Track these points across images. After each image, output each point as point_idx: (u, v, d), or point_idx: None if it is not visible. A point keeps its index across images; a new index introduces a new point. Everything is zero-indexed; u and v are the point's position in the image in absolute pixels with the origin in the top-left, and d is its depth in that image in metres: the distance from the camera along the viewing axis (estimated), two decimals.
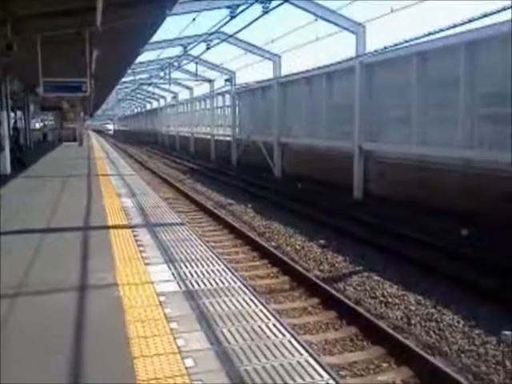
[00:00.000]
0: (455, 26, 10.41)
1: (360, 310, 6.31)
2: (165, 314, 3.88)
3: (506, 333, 5.60)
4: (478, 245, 9.28)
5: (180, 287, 4.55)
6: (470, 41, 11.24)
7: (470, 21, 10.04)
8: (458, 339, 5.69)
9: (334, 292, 6.90)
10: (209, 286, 4.62)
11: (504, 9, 9.12)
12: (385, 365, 5.17)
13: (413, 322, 6.16)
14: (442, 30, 10.96)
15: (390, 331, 5.68)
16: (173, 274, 4.93)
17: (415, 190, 12.63)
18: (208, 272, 5.03)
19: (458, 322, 6.11)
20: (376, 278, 7.66)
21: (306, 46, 19.14)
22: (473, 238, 9.77)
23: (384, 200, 13.66)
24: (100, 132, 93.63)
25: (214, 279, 4.82)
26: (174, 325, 3.69)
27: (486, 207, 10.42)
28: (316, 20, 16.24)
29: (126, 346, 3.33)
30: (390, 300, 6.83)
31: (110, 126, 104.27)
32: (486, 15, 9.58)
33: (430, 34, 11.10)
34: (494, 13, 9.31)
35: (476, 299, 6.79)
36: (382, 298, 6.90)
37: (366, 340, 5.69)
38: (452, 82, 11.74)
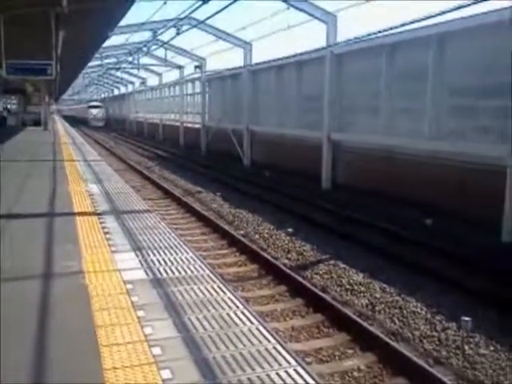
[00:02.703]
0: (426, 18, 10.55)
1: (326, 297, 6.41)
2: (132, 302, 3.84)
3: (466, 319, 5.80)
4: (441, 234, 9.53)
5: (147, 275, 4.51)
6: (439, 33, 11.41)
7: (440, 13, 10.18)
8: (421, 325, 5.85)
9: (301, 280, 6.99)
10: (177, 273, 4.59)
11: (474, 2, 9.29)
12: (350, 351, 5.28)
13: (377, 309, 6.30)
14: (412, 22, 11.11)
15: (356, 318, 5.79)
16: (140, 261, 4.88)
17: (382, 180, 12.84)
18: (176, 260, 5.00)
19: (421, 308, 6.28)
20: (342, 265, 7.78)
21: (277, 35, 19.12)
22: (436, 228, 10.02)
23: (352, 189, 13.84)
24: (80, 122, 64.01)
25: (182, 267, 4.80)
26: (141, 313, 3.66)
27: (448, 197, 10.68)
28: (288, 8, 16.19)
29: (93, 335, 3.28)
30: (355, 288, 6.96)
31: (98, 112, 62.85)
32: (457, 8, 9.74)
33: (400, 25, 11.23)
34: (464, 6, 9.47)
35: (439, 287, 6.99)
36: (348, 286, 7.03)
37: (331, 327, 5.79)
38: (421, 74, 11.93)
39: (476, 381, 4.77)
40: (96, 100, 69.11)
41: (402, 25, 11.15)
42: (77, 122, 64.42)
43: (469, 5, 9.31)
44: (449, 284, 7.07)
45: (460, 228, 9.69)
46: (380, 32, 12.04)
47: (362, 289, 6.92)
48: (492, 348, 5.30)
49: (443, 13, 10.04)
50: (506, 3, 9.53)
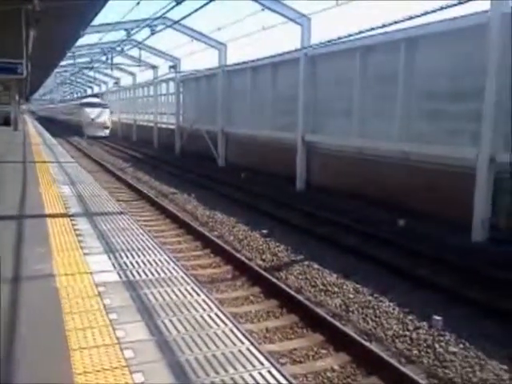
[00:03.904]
0: (397, 22, 10.69)
1: (300, 298, 6.45)
2: (104, 305, 3.78)
3: (437, 318, 5.92)
4: (413, 235, 9.69)
5: (120, 277, 4.46)
6: (409, 37, 11.61)
7: (410, 18, 10.35)
8: (393, 325, 5.93)
9: (275, 281, 7.01)
10: (150, 276, 4.55)
11: (442, 8, 9.47)
12: (324, 351, 5.32)
13: (351, 309, 6.37)
14: (384, 26, 11.25)
15: (329, 319, 5.84)
16: (113, 264, 4.82)
17: (356, 182, 12.99)
18: (150, 262, 4.95)
19: (394, 308, 6.37)
20: (316, 266, 7.84)
21: (252, 36, 19.14)
22: (409, 228, 10.19)
23: (326, 191, 13.96)
24: (66, 127, 46.74)
25: (155, 269, 4.76)
26: (113, 316, 3.61)
27: (420, 198, 10.87)
28: (263, 10, 16.23)
29: (63, 339, 3.23)
30: (329, 288, 7.02)
31: (101, 114, 40.45)
32: (426, 13, 9.90)
33: (372, 29, 11.37)
34: (434, 11, 9.63)
35: (411, 286, 7.11)
36: (321, 287, 7.08)
37: (305, 328, 5.82)
38: (392, 78, 12.12)
39: (446, 378, 4.86)
40: (96, 95, 47.28)
41: (375, 28, 11.28)
42: (60, 127, 48.18)
43: (438, 10, 9.46)
44: (420, 283, 7.20)
45: (432, 228, 9.87)
46: (353, 35, 12.17)
47: (336, 289, 6.99)
48: (461, 346, 5.42)
49: (412, 18, 10.19)
50: (474, 9, 9.77)
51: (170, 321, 3.65)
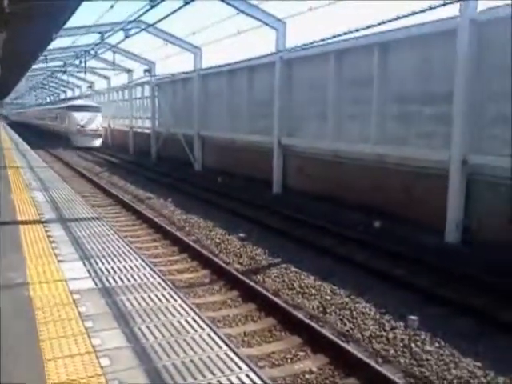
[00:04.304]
0: (370, 26, 10.80)
1: (278, 301, 6.46)
2: (79, 313, 3.73)
3: (412, 317, 6.00)
4: (389, 236, 9.82)
5: (96, 284, 4.40)
6: (382, 42, 11.78)
7: (384, 22, 10.46)
8: (370, 326, 5.99)
9: (253, 284, 7.01)
10: (126, 282, 4.51)
11: (414, 13, 9.61)
12: (302, 353, 5.34)
13: (328, 311, 6.41)
14: (357, 30, 11.37)
15: (307, 321, 5.87)
16: (88, 270, 4.76)
17: (332, 185, 13.09)
18: (125, 268, 4.91)
19: (370, 309, 6.43)
20: (294, 269, 7.87)
21: (228, 40, 19.14)
22: (384, 230, 10.32)
23: (303, 194, 14.03)
24: (47, 135, 40.17)
25: (131, 275, 4.71)
26: (89, 323, 3.57)
27: (395, 200, 11.02)
28: (237, 14, 16.26)
29: (37, 349, 3.17)
30: (306, 291, 7.05)
31: (92, 119, 33.48)
32: (398, 18, 10.04)
33: (347, 32, 11.44)
34: (406, 16, 9.77)
35: (386, 286, 7.20)
36: (299, 289, 7.11)
37: (283, 330, 5.84)
38: (366, 81, 12.27)
39: (422, 377, 4.93)
40: (86, 96, 40.57)
41: (349, 32, 11.37)
42: (38, 135, 42.35)
43: (412, 14, 9.59)
44: (396, 283, 7.29)
45: (407, 230, 10.01)
46: (328, 39, 12.25)
47: (313, 291, 7.02)
48: (437, 345, 5.51)
49: (385, 22, 10.30)
50: (444, 14, 9.95)
51: (147, 327, 3.62)
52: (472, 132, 9.57)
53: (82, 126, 32.73)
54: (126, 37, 19.67)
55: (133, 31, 19.47)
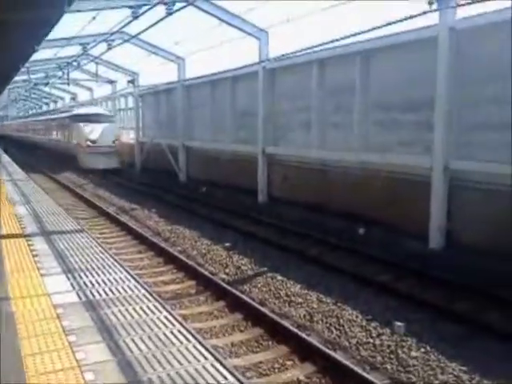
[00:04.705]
0: (353, 35, 10.92)
1: (265, 310, 6.45)
2: (63, 327, 3.69)
3: (398, 324, 6.03)
4: (374, 243, 9.87)
5: (79, 298, 4.36)
6: (365, 50, 11.91)
7: (366, 31, 10.59)
8: (357, 333, 6.00)
9: (239, 294, 6.99)
10: (111, 295, 4.47)
11: (394, 22, 9.75)
12: (289, 363, 5.33)
13: (315, 319, 6.41)
14: (340, 39, 11.48)
15: (294, 330, 5.86)
16: (71, 284, 4.71)
17: (317, 193, 13.13)
18: (110, 280, 4.87)
19: (357, 316, 6.45)
20: (280, 278, 7.86)
21: (211, 50, 19.19)
22: (369, 237, 10.37)
23: (288, 203, 14.05)
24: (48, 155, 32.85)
25: (116, 287, 4.68)
26: (72, 338, 3.53)
27: (379, 207, 11.09)
28: (220, 24, 16.33)
29: (20, 365, 3.12)
30: (293, 299, 7.05)
31: (105, 132, 25.35)
32: (378, 27, 10.18)
33: (329, 42, 11.55)
34: (386, 25, 9.90)
35: (372, 293, 7.23)
36: (285, 298, 7.10)
37: (271, 340, 5.82)
38: (349, 90, 12.38)
39: (409, 383, 4.95)
40: (93, 102, 34.21)
41: (331, 41, 11.47)
42: (30, 153, 36.34)
43: (393, 23, 9.71)
44: (381, 290, 7.32)
45: (392, 236, 10.06)
46: (310, 48, 12.35)
47: (300, 300, 7.02)
48: (423, 350, 5.53)
49: (367, 31, 10.44)
50: (424, 23, 10.11)
51: (132, 340, 3.60)
52: (453, 138, 9.69)
53: (93, 142, 24.71)
54: (109, 48, 19.62)
55: (116, 42, 19.46)
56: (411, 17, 9.48)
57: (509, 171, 8.60)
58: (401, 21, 9.43)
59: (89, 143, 24.86)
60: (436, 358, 5.36)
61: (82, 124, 25.66)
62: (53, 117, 33.98)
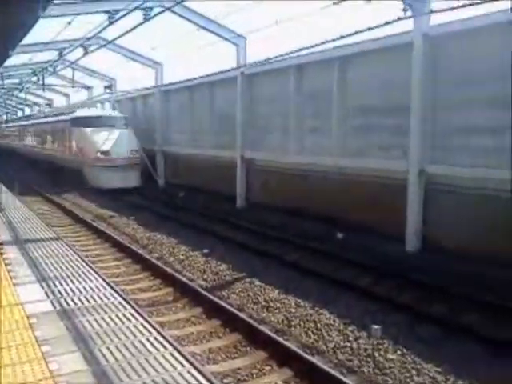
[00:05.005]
0: (330, 41, 11.01)
1: (243, 316, 6.43)
2: (36, 337, 3.63)
3: (375, 327, 6.09)
4: (352, 247, 9.95)
5: (54, 307, 4.30)
6: (343, 55, 12.03)
7: (344, 36, 10.69)
8: (334, 337, 6.04)
9: (217, 300, 6.96)
10: (86, 303, 4.42)
11: (371, 28, 9.86)
12: (267, 368, 5.32)
13: (293, 323, 6.42)
14: (317, 45, 11.57)
15: (272, 335, 5.86)
16: (46, 293, 4.64)
17: (296, 198, 13.18)
18: (85, 289, 4.82)
19: (334, 320, 6.48)
20: (258, 283, 7.86)
21: (191, 55, 19.18)
22: (347, 241, 10.46)
23: (267, 207, 14.08)
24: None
25: (92, 296, 4.63)
26: (46, 348, 3.48)
27: (358, 211, 11.19)
28: (198, 30, 16.33)
29: None
30: (271, 304, 7.05)
31: (120, 139, 19.63)
32: (356, 32, 10.29)
33: (307, 47, 11.63)
34: (364, 31, 10.01)
35: (350, 297, 7.28)
36: (264, 303, 7.10)
37: (249, 346, 5.81)
38: (327, 95, 12.49)
39: None
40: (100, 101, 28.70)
41: (308, 47, 11.55)
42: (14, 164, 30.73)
43: (370, 28, 9.80)
44: (359, 293, 7.38)
45: (370, 240, 10.15)
46: (288, 54, 12.42)
47: (278, 305, 7.02)
48: (399, 352, 5.59)
49: (344, 36, 10.54)
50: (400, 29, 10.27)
51: (108, 348, 3.56)
52: (428, 142, 9.86)
53: (105, 153, 19.14)
54: (86, 53, 19.45)
55: (92, 47, 19.29)
56: (386, 23, 9.64)
57: (482, 175, 8.80)
58: (377, 27, 9.57)
59: (99, 155, 19.14)
60: (412, 359, 5.42)
61: (88, 130, 20.02)
62: (46, 120, 27.96)
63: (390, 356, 5.51)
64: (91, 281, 5.05)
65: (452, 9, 7.99)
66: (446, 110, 9.72)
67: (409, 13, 9.36)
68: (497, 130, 8.74)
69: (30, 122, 33.60)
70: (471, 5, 7.62)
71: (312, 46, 10.90)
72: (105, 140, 19.55)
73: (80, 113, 22.42)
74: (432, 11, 9.27)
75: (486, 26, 8.80)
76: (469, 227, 8.93)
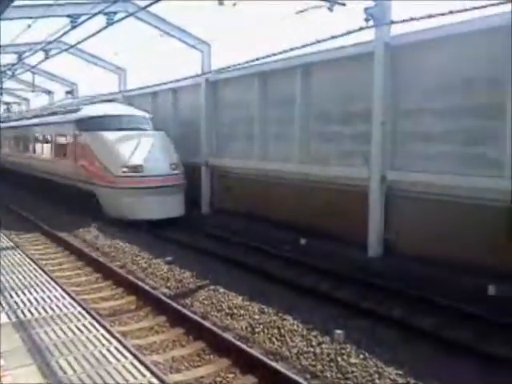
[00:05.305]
0: (293, 49, 11.13)
1: (206, 324, 6.39)
2: None
3: (338, 332, 6.15)
4: (315, 253, 10.05)
5: (9, 318, 4.17)
6: (305, 63, 12.18)
7: (306, 45, 10.81)
8: (298, 342, 6.06)
9: (180, 308, 6.89)
10: (44, 314, 4.31)
11: (334, 37, 10.02)
12: (231, 375, 5.30)
13: (257, 330, 6.41)
14: (280, 53, 11.69)
15: (236, 342, 5.84)
16: (1, 304, 4.49)
17: (260, 204, 13.22)
18: (43, 299, 4.69)
19: (298, 326, 6.49)
20: (222, 290, 7.81)
21: (157, 60, 19.03)
22: (310, 247, 10.56)
23: (232, 213, 14.06)
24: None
25: (50, 306, 4.52)
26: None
27: (321, 217, 11.32)
28: (161, 36, 16.24)
29: None
30: (235, 311, 7.01)
31: (166, 153, 14.08)
32: (318, 41, 10.43)
33: (271, 55, 11.71)
34: (327, 39, 10.16)
35: (313, 302, 7.33)
36: (228, 310, 7.06)
37: (213, 353, 5.77)
38: (290, 102, 12.62)
39: None
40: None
41: (272, 55, 11.64)
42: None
43: (333, 38, 9.95)
44: (322, 299, 7.45)
45: (333, 246, 10.28)
46: (253, 61, 12.48)
47: (242, 312, 7.00)
48: (362, 356, 5.65)
49: (308, 45, 10.67)
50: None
51: (66, 360, 3.48)
52: (389, 149, 10.08)
53: (135, 168, 13.48)
54: (47, 57, 19.03)
55: (53, 51, 18.90)
56: (349, 32, 9.83)
57: (440, 181, 9.06)
58: (340, 36, 9.74)
59: (126, 171, 13.22)
60: (374, 363, 5.49)
61: (107, 135, 14.08)
62: (33, 122, 21.55)
63: (352, 360, 5.57)
64: (50, 290, 4.93)
65: (411, 19, 8.22)
66: (404, 118, 9.99)
67: (371, 22, 9.60)
68: (450, 138, 9.06)
69: (10, 124, 26.25)
70: (430, 17, 7.85)
71: (274, 54, 10.98)
72: (133, 149, 13.54)
73: (90, 110, 15.97)
74: (392, 22, 9.51)
75: (440, 38, 9.12)
76: (427, 232, 9.16)
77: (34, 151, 20.84)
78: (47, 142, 18.90)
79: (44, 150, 19.41)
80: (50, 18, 15.98)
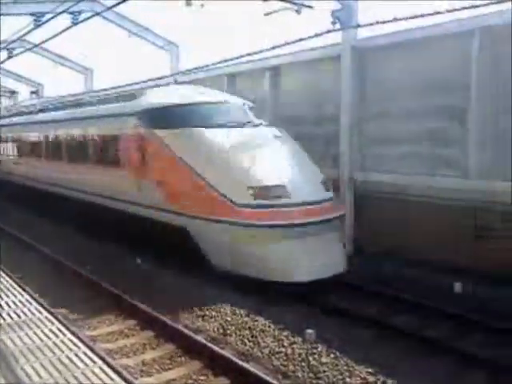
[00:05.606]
0: (262, 51, 11.17)
1: (178, 326, 6.33)
2: None
3: (309, 331, 6.18)
4: None
5: None
6: (273, 66, 12.24)
7: (273, 47, 10.87)
8: (269, 343, 6.06)
9: (151, 311, 6.80)
10: (8, 319, 4.19)
11: (302, 39, 10.10)
12: (203, 378, 5.27)
13: (228, 331, 6.39)
14: (249, 54, 11.69)
15: (208, 344, 5.81)
16: None
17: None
18: (7, 304, 4.57)
19: (269, 326, 6.50)
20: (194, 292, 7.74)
21: (127, 60, 18.79)
22: None
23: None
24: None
25: (15, 311, 4.40)
26: None
27: None
28: (129, 36, 16.06)
29: None
30: (207, 313, 6.96)
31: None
32: (287, 43, 10.48)
33: (239, 56, 11.70)
34: (296, 41, 10.22)
35: (285, 302, 7.33)
36: (199, 312, 7.01)
37: (184, 356, 5.73)
38: (259, 103, 12.62)
39: None
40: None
41: (242, 56, 11.63)
42: None
43: (300, 40, 10.01)
44: (293, 298, 7.46)
45: None
46: (221, 62, 12.45)
47: (214, 313, 6.96)
48: (333, 356, 5.69)
49: (276, 47, 10.72)
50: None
51: (32, 366, 3.39)
52: (356, 150, 10.23)
53: (274, 191, 7.96)
54: (10, 57, 18.56)
55: (17, 51, 18.44)
56: (316, 35, 9.91)
57: (405, 181, 9.24)
58: (308, 38, 9.82)
59: (259, 194, 7.95)
60: (345, 362, 5.54)
61: (209, 134, 8.88)
62: (53, 117, 15.64)
63: (323, 359, 5.61)
64: (14, 295, 4.79)
65: (377, 23, 8.36)
66: (371, 120, 10.14)
67: (338, 25, 9.72)
68: (415, 140, 9.24)
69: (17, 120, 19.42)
70: (396, 20, 7.98)
71: (242, 56, 10.98)
72: (260, 159, 8.55)
73: (164, 97, 10.27)
74: (359, 25, 9.64)
75: (406, 41, 9.31)
76: (395, 232, 9.32)
77: (49, 157, 15.13)
78: (79, 151, 12.81)
79: (65, 162, 13.74)
80: (12, 15, 15.61)
